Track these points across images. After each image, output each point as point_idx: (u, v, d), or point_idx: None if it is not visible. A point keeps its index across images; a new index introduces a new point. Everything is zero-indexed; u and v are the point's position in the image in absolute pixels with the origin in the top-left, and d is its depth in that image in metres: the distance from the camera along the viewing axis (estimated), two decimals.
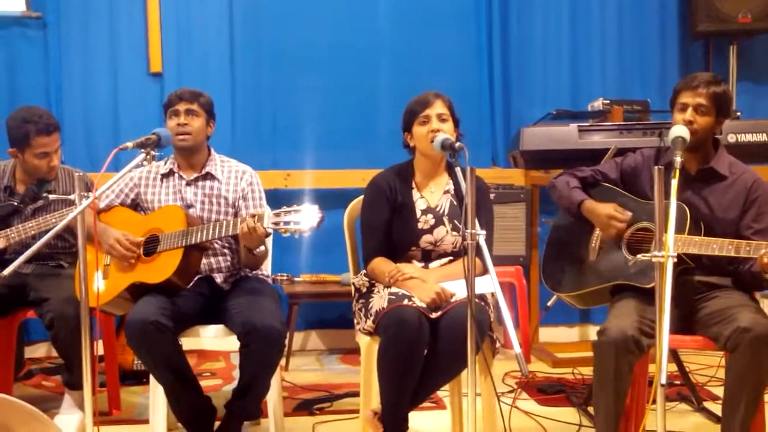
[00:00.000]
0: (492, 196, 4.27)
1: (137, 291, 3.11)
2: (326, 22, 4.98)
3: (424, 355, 2.83)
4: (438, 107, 3.10)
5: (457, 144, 2.79)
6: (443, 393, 3.67)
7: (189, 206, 3.30)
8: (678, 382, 3.90)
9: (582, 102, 4.98)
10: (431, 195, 3.19)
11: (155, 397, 3.10)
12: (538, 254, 4.39)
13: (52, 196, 3.51)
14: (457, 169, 2.70)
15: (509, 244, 4.56)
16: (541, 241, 4.41)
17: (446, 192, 3.19)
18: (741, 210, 3.04)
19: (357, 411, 3.12)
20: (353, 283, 3.21)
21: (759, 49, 5.24)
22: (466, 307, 2.42)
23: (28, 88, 4.74)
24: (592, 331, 4.96)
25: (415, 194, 3.18)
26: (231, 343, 3.07)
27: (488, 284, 2.74)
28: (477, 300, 2.78)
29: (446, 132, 3.02)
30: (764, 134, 4.17)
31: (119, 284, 3.15)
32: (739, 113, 4.60)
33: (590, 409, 3.49)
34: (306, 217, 2.77)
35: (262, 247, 3.10)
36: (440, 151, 2.91)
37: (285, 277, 4.73)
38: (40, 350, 4.77)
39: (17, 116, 3.51)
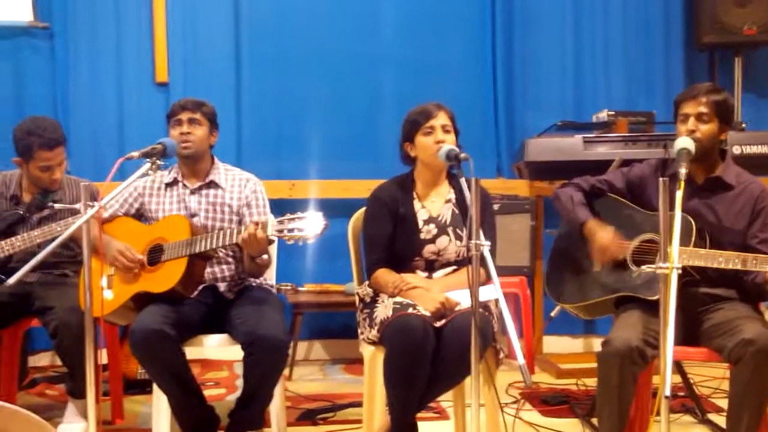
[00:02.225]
0: (496, 206, 4.30)
1: (141, 300, 3.11)
2: (331, 32, 5.00)
3: (429, 362, 2.83)
4: (442, 118, 3.10)
5: (463, 154, 2.79)
6: (447, 403, 3.67)
7: (193, 215, 3.31)
8: (682, 394, 3.88)
9: (587, 113, 4.98)
10: (432, 205, 3.19)
11: (159, 406, 3.10)
12: (543, 265, 4.39)
13: (57, 206, 3.53)
14: (462, 180, 2.71)
15: (513, 255, 4.55)
16: (545, 251, 4.41)
17: (448, 201, 3.20)
18: (748, 220, 3.04)
19: (360, 421, 3.11)
20: (357, 293, 3.21)
21: (764, 61, 5.25)
22: (470, 316, 2.42)
23: (34, 98, 4.75)
24: (597, 342, 4.95)
25: (417, 204, 3.18)
26: (235, 353, 3.07)
27: (492, 292, 2.74)
28: (480, 310, 2.79)
29: (450, 143, 3.02)
30: None
31: (123, 294, 3.15)
32: (744, 125, 4.60)
33: (594, 420, 3.48)
34: (310, 224, 2.77)
35: (265, 256, 3.10)
36: (445, 161, 2.92)
37: (289, 287, 4.73)
38: (44, 359, 4.78)
39: (23, 127, 3.52)
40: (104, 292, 3.12)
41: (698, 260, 2.85)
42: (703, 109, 3.02)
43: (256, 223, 2.91)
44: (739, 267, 2.79)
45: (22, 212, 3.58)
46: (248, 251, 3.02)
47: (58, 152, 3.54)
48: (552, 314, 4.13)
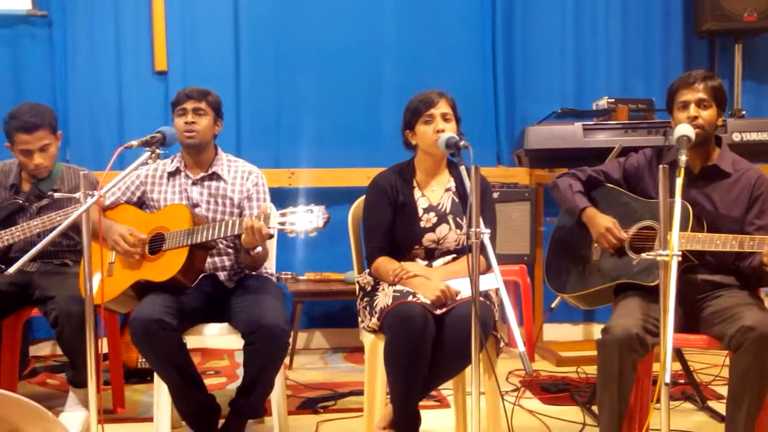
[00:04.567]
0: (496, 195, 4.30)
1: (142, 289, 3.12)
2: (331, 20, 4.98)
3: (430, 349, 2.83)
4: (442, 107, 3.09)
5: (462, 143, 2.78)
6: (447, 392, 3.67)
7: (195, 205, 3.31)
8: (682, 381, 3.89)
9: (587, 101, 4.98)
10: (432, 193, 3.19)
11: (159, 395, 3.11)
12: (543, 253, 4.39)
13: (57, 195, 3.52)
14: (462, 168, 2.70)
15: (513, 243, 4.56)
16: (545, 239, 4.41)
17: (447, 190, 3.20)
18: (745, 207, 3.04)
19: (361, 410, 3.12)
20: (358, 282, 3.22)
21: (764, 48, 5.23)
22: (470, 305, 2.42)
23: (33, 86, 4.74)
24: (597, 330, 4.95)
25: (417, 193, 3.18)
26: (235, 342, 3.07)
27: (492, 281, 2.75)
28: (482, 299, 2.79)
29: (450, 132, 3.02)
30: None
31: (124, 282, 3.15)
32: (744, 112, 4.59)
33: (594, 407, 3.49)
34: (312, 218, 2.77)
35: (260, 249, 3.08)
36: (445, 149, 2.91)
37: (289, 276, 4.73)
38: (44, 348, 4.78)
39: (10, 111, 3.51)
40: (101, 275, 3.12)
41: (696, 244, 2.86)
42: (703, 95, 3.02)
43: (258, 216, 2.90)
44: (736, 248, 2.80)
45: (21, 201, 3.58)
46: (246, 243, 3.01)
47: (37, 136, 3.48)
48: (552, 305, 4.13)
